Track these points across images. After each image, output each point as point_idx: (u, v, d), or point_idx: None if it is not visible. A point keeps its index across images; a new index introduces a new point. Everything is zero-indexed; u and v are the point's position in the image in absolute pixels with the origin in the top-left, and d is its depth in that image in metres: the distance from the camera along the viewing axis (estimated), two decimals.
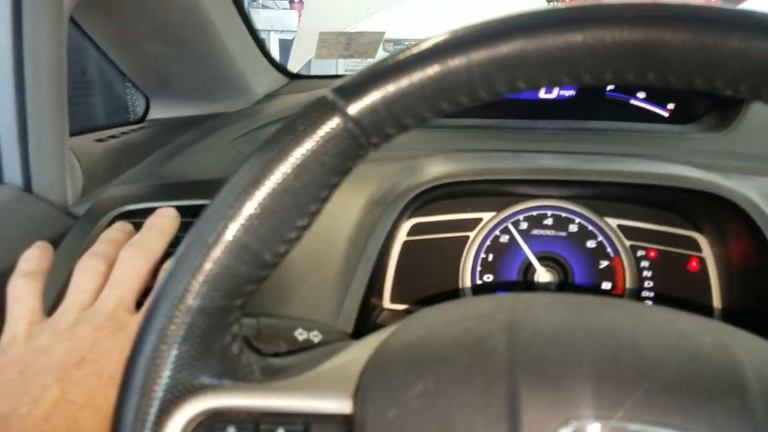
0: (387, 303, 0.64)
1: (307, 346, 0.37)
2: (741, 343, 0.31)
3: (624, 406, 0.27)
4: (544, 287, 0.63)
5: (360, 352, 0.33)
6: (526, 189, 0.64)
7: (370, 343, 0.33)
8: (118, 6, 0.66)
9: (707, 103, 0.83)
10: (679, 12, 0.26)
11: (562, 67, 0.28)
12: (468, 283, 0.64)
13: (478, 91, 0.29)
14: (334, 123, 0.28)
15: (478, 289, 0.64)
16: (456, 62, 0.28)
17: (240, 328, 0.30)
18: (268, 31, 4.60)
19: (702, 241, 0.62)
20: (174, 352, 0.28)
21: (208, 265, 0.28)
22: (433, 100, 0.29)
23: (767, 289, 0.52)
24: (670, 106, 0.85)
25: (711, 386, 0.28)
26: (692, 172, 0.57)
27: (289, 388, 0.30)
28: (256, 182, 0.28)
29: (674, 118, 0.85)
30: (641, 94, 0.86)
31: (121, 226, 0.49)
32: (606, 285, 0.63)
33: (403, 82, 0.28)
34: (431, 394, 0.29)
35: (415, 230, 0.65)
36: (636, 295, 0.63)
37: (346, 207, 0.57)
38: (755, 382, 0.28)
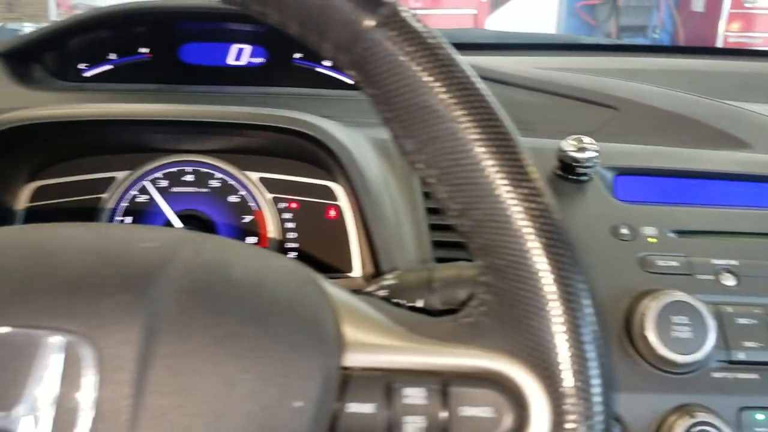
0: None
1: None
2: (195, 244, 0.30)
3: None
4: None
5: None
6: (161, 143, 0.61)
7: None
8: None
9: None
10: None
11: None
12: None
13: None
14: None
15: None
16: None
17: None
18: None
19: (338, 190, 0.64)
20: None
21: None
22: None
23: (369, 229, 0.54)
24: None
25: (111, 285, 0.27)
26: (296, 114, 0.58)
27: None
28: None
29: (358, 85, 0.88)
30: (327, 63, 0.88)
31: None
32: (251, 239, 0.63)
33: None
34: None
35: (39, 195, 0.60)
36: (280, 246, 0.63)
37: None
38: (174, 280, 0.28)
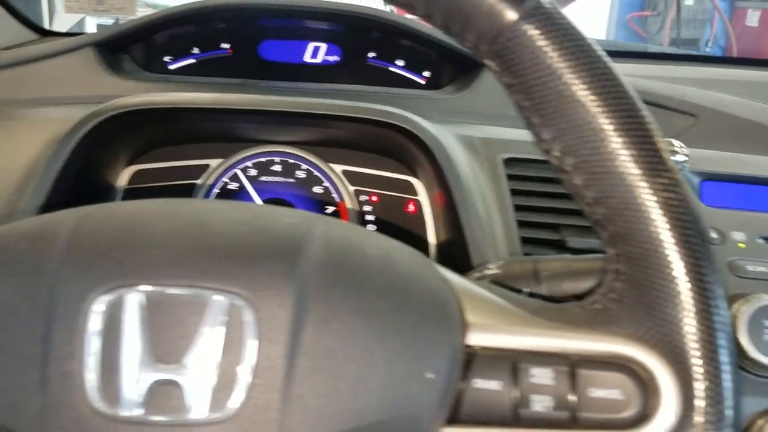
0: None
1: None
2: (326, 222, 0.32)
3: (162, 272, 0.27)
4: None
5: None
6: (251, 133, 0.64)
7: None
8: None
9: (453, 71, 0.88)
10: None
11: None
12: None
13: None
14: None
15: None
16: None
17: None
18: None
19: (418, 185, 0.65)
20: None
21: None
22: None
23: (457, 225, 0.56)
24: (426, 74, 0.90)
25: (264, 253, 0.29)
26: (388, 108, 0.60)
27: None
28: None
29: (429, 85, 0.89)
30: (400, 62, 0.90)
31: None
32: None
33: None
34: None
35: (137, 178, 0.62)
36: None
37: (21, 146, 0.54)
38: (317, 252, 0.29)
